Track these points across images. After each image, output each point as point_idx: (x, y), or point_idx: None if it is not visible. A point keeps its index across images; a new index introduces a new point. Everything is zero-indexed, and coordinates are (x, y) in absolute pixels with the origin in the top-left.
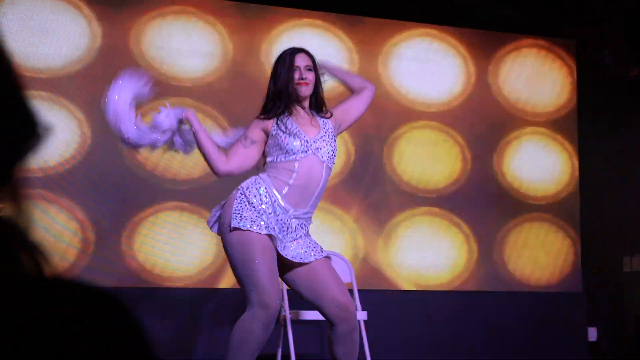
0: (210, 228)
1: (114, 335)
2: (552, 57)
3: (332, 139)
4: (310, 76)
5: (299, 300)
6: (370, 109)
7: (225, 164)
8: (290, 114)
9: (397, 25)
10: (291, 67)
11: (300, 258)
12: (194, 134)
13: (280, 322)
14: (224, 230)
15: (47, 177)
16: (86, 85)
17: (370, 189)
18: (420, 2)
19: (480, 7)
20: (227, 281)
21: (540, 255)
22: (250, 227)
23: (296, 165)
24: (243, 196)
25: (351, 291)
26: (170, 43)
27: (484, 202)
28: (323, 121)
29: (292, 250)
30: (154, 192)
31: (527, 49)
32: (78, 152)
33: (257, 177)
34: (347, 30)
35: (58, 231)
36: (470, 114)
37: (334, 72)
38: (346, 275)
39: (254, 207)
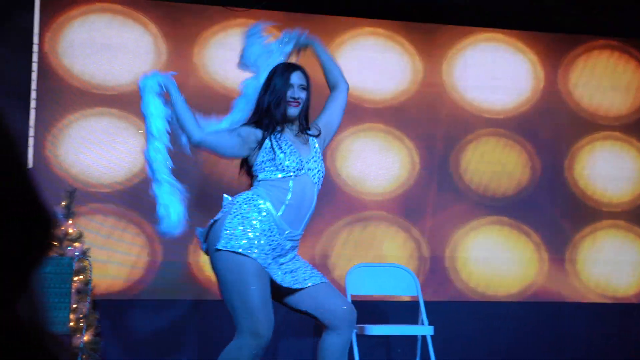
0: (201, 243)
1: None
2: (626, 58)
3: (320, 159)
4: (302, 95)
5: (365, 309)
6: (438, 116)
7: (201, 133)
8: (283, 130)
9: (462, 30)
10: (286, 83)
11: (299, 284)
12: (172, 98)
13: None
14: (212, 249)
15: (115, 192)
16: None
17: (438, 198)
18: (484, 6)
19: (548, 10)
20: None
21: (616, 264)
22: (244, 251)
23: (291, 184)
24: (238, 212)
25: (417, 303)
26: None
27: (556, 210)
28: (312, 140)
29: (287, 275)
30: None
31: (599, 50)
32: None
33: (254, 190)
34: (409, 38)
35: (127, 247)
36: (539, 120)
37: (320, 52)
38: (411, 287)
39: (251, 225)
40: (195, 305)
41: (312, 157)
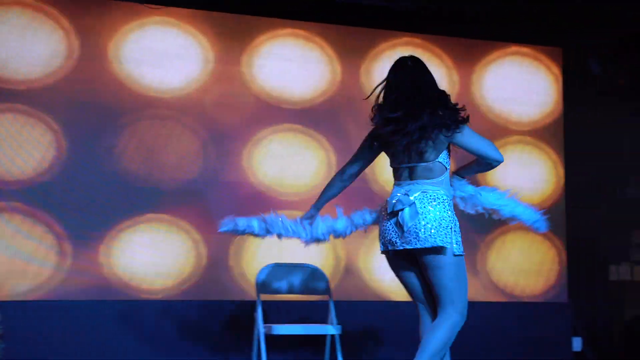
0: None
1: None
2: (538, 65)
3: None
4: None
5: (273, 314)
6: (355, 117)
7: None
8: None
9: (381, 34)
10: None
11: None
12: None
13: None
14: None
15: (22, 190)
16: (62, 97)
17: (353, 199)
18: (403, 12)
19: (464, 15)
20: (205, 292)
21: (525, 265)
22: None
23: None
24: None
25: (327, 302)
26: (149, 52)
27: (468, 213)
28: None
29: None
30: (133, 202)
31: (512, 56)
32: (55, 164)
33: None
34: (328, 40)
35: (33, 246)
36: None
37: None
38: (323, 287)
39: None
40: (101, 305)
41: None
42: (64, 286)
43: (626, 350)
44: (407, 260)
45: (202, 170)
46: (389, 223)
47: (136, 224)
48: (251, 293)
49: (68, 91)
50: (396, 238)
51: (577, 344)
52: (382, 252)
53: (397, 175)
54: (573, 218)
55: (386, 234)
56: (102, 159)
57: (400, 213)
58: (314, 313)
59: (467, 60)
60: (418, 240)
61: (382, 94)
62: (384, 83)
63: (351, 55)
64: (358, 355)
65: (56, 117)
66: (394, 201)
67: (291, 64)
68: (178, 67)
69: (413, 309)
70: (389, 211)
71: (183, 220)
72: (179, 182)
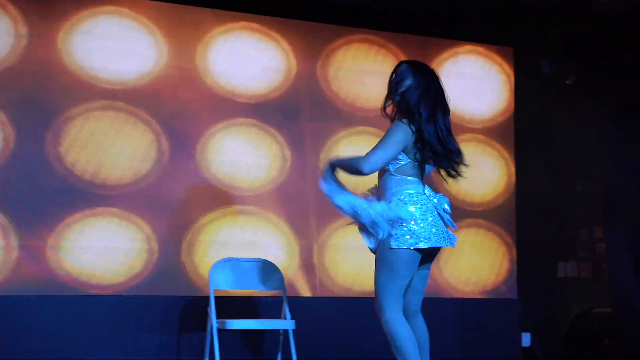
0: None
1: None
2: (490, 64)
3: None
4: None
5: (227, 307)
6: (309, 112)
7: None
8: None
9: (337, 29)
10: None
11: None
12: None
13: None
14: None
15: None
16: (10, 85)
17: (308, 193)
18: (359, 8)
19: (418, 13)
20: (157, 288)
21: (476, 261)
22: None
23: None
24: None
25: (281, 298)
26: (101, 43)
27: None
28: None
29: None
30: (83, 197)
31: (466, 55)
32: (1, 156)
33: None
34: (283, 34)
35: None
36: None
37: None
38: (277, 282)
39: None
40: (49, 301)
41: None
42: (9, 281)
43: (572, 345)
44: (420, 258)
45: (154, 164)
46: (436, 219)
47: (85, 218)
48: (204, 289)
49: (16, 82)
50: (442, 234)
51: (526, 339)
52: (421, 249)
53: (416, 173)
54: (523, 215)
55: (432, 228)
56: (50, 152)
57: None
58: (268, 309)
59: (421, 57)
60: (449, 239)
61: (406, 94)
62: (411, 83)
63: (307, 50)
64: (312, 352)
65: (3, 109)
66: (435, 200)
67: (246, 58)
68: (130, 58)
69: (368, 306)
70: (440, 207)
71: (134, 215)
72: (131, 175)
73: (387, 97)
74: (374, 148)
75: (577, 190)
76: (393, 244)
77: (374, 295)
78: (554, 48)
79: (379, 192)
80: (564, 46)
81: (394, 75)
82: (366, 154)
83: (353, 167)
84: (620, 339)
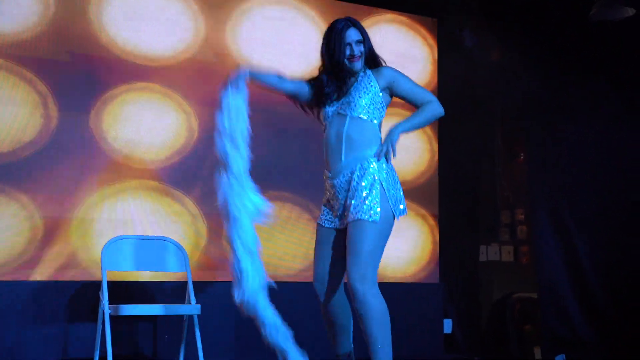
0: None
1: None
2: (414, 35)
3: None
4: (361, 48)
5: (123, 293)
6: (220, 80)
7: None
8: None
9: None
10: (343, 43)
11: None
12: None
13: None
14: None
15: None
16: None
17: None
18: None
19: None
20: (42, 272)
21: (398, 245)
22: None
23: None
24: None
25: (185, 282)
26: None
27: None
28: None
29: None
30: None
31: (389, 24)
32: None
33: None
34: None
35: None
36: None
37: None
38: (181, 264)
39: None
40: None
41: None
42: None
43: (492, 331)
44: None
45: (40, 133)
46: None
47: None
48: (97, 272)
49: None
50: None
51: (447, 325)
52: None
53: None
54: (445, 197)
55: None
56: None
57: None
58: (170, 295)
59: None
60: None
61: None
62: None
63: (216, 12)
64: (217, 340)
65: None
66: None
67: (149, 17)
68: (10, 13)
69: (278, 290)
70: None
71: (18, 192)
72: (13, 147)
73: (341, 54)
74: (420, 87)
75: (497, 171)
76: (397, 213)
77: (313, 273)
78: (477, 22)
79: (350, 144)
80: (486, 19)
81: (362, 33)
82: (428, 94)
83: (435, 116)
84: (542, 323)
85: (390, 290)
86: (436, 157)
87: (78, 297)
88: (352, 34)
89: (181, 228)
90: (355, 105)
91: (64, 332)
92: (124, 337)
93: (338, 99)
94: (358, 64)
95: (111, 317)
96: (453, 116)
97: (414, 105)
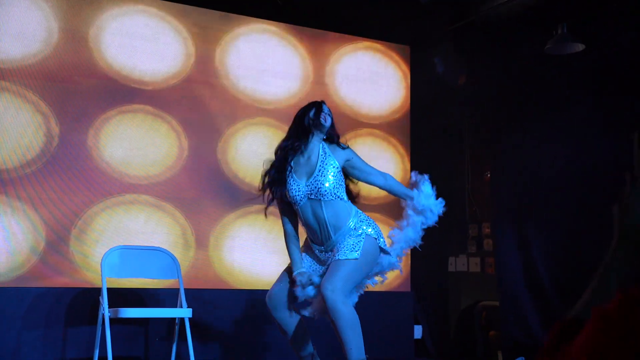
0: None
1: None
2: (387, 61)
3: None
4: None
5: (119, 299)
6: (206, 101)
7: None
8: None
9: (238, 19)
10: (319, 110)
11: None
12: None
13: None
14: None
15: None
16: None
17: (204, 184)
18: None
19: (319, 7)
20: (43, 279)
21: None
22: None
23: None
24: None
25: (177, 290)
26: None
27: None
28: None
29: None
30: None
31: (364, 51)
32: None
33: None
34: (185, 21)
35: None
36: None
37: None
38: (172, 271)
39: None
40: None
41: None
42: None
43: (460, 336)
44: None
45: (42, 149)
46: None
47: None
48: (96, 281)
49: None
50: None
51: (417, 331)
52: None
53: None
54: None
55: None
56: None
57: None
58: (163, 301)
59: (320, 51)
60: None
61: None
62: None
63: (206, 37)
64: (207, 344)
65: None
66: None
67: (143, 42)
68: (18, 38)
69: (264, 298)
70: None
71: (20, 201)
72: (18, 161)
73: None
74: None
75: (467, 187)
76: (382, 244)
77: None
78: (447, 49)
79: (334, 224)
80: (456, 46)
81: (328, 113)
82: (382, 173)
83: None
84: (502, 330)
85: (364, 299)
86: (409, 175)
87: (76, 303)
88: (326, 108)
89: (171, 239)
90: (325, 192)
91: (63, 335)
92: (119, 339)
93: (302, 149)
94: (328, 120)
95: (110, 319)
96: (424, 136)
97: (364, 176)
